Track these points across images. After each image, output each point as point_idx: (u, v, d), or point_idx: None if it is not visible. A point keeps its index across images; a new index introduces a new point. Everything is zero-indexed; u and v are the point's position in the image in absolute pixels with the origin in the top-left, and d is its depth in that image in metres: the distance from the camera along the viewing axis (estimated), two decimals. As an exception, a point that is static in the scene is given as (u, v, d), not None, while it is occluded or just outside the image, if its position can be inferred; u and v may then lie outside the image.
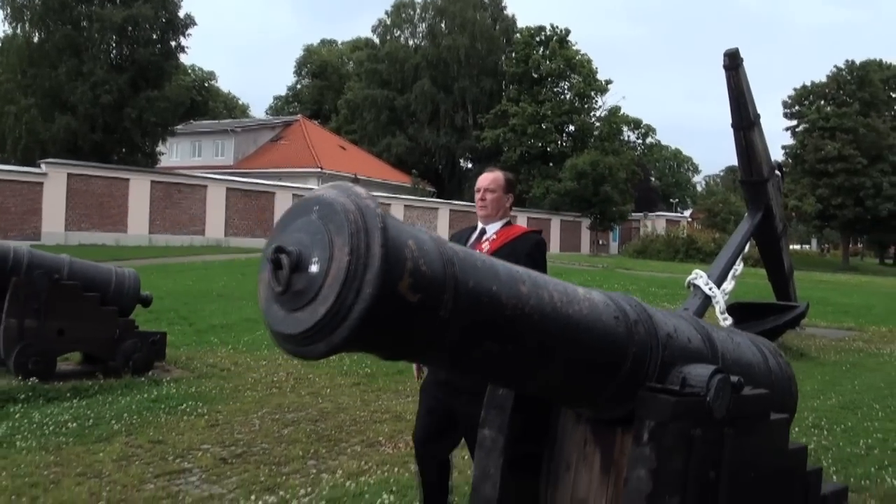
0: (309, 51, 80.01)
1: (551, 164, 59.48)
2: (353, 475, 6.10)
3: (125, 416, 7.85)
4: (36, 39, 38.83)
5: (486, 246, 4.55)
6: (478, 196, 4.69)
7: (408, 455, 6.65)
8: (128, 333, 9.62)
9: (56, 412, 8.04)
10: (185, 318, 14.42)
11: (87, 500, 5.72)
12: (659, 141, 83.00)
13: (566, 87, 62.78)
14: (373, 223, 2.16)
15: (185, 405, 8.27)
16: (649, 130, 78.19)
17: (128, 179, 37.10)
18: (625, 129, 69.47)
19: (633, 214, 60.89)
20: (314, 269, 2.14)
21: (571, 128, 62.64)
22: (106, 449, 6.87)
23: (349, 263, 2.10)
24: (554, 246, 53.14)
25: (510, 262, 3.78)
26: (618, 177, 54.77)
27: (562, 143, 62.37)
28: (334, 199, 2.23)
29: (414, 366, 4.86)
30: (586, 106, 63.36)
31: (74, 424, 7.60)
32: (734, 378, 3.15)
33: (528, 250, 4.44)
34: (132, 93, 38.21)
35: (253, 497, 5.59)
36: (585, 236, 58.33)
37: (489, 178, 4.74)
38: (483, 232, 4.67)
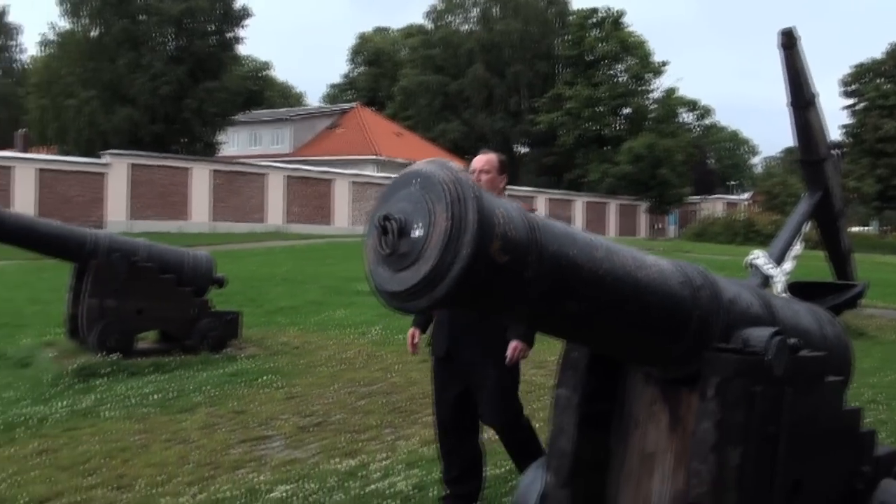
0: (363, 38, 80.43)
1: (607, 148, 59.19)
2: (427, 443, 6.38)
3: (206, 388, 8.27)
4: (94, 34, 39.71)
5: None
6: (472, 178, 4.85)
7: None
8: (203, 313, 10.07)
9: (138, 385, 8.50)
10: (252, 300, 14.87)
11: (177, 462, 6.11)
12: (717, 122, 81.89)
13: (621, 69, 62.32)
14: (468, 193, 2.49)
15: (262, 379, 8.67)
16: (706, 112, 77.34)
17: (189, 169, 37.83)
18: (681, 110, 68.82)
19: (691, 198, 60.33)
20: (417, 233, 2.47)
21: (627, 110, 62.27)
22: (190, 418, 7.28)
23: (449, 228, 2.42)
24: (611, 230, 53.05)
25: None
26: (675, 159, 54.40)
27: (617, 126, 61.95)
28: (433, 172, 2.55)
29: (408, 338, 5.19)
30: (641, 88, 62.90)
31: (157, 396, 8.03)
32: (792, 340, 3.37)
33: None
34: (191, 84, 38.91)
35: (335, 460, 5.93)
36: (643, 220, 58.04)
37: (483, 160, 4.92)
38: None
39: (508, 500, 5.06)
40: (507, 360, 4.78)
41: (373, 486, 5.20)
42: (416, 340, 5.12)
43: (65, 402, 7.98)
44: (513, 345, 4.76)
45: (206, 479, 5.74)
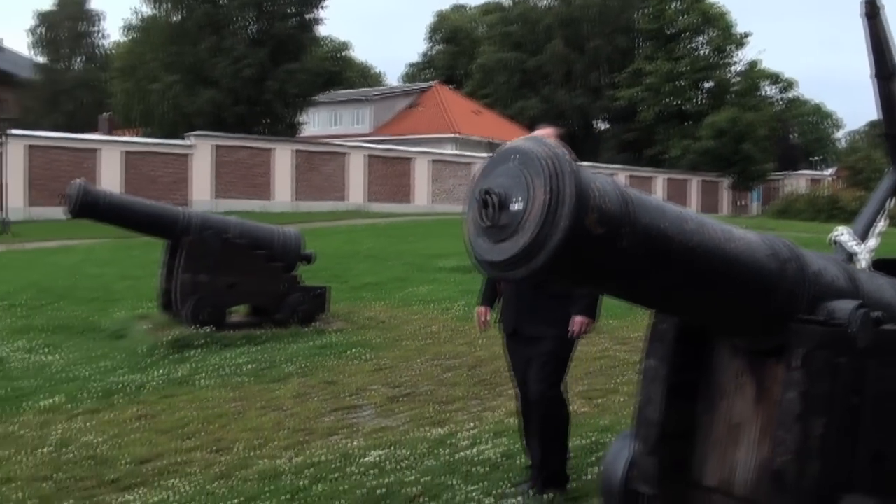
0: (440, 16, 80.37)
1: (688, 123, 58.19)
2: (513, 414, 6.49)
3: (297, 360, 8.58)
4: (177, 19, 40.48)
5: None
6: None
7: (562, 397, 7.09)
8: (293, 288, 10.39)
9: (232, 356, 8.85)
10: (338, 276, 15.17)
11: (272, 428, 6.39)
12: (800, 95, 79.70)
13: (702, 41, 60.94)
14: (565, 168, 2.62)
15: (350, 352, 8.94)
16: (790, 84, 75.37)
17: (271, 149, 38.47)
18: (764, 83, 67.17)
19: (774, 174, 59.08)
20: (516, 206, 2.62)
21: (709, 84, 61.02)
22: (282, 388, 7.58)
23: (547, 202, 2.55)
24: (693, 207, 52.14)
25: None
26: (758, 134, 53.26)
27: (699, 101, 60.81)
28: (531, 148, 2.70)
29: (476, 320, 5.36)
30: (723, 61, 61.52)
31: (250, 367, 8.36)
32: (875, 313, 3.43)
33: None
34: (272, 66, 39.45)
35: (424, 428, 6.13)
36: (725, 197, 57.07)
37: (542, 136, 4.89)
38: None
39: (595, 470, 5.18)
40: (571, 333, 4.85)
41: (462, 454, 5.37)
42: (484, 318, 5.23)
43: (161, 372, 8.36)
44: (577, 319, 4.83)
45: (301, 444, 6.01)
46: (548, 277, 2.78)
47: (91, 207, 9.95)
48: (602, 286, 3.10)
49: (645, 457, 3.92)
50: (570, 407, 6.74)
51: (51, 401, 7.32)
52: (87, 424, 6.65)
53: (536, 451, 5.01)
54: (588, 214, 2.60)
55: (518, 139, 2.83)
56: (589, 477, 5.09)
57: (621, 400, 7.01)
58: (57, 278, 15.96)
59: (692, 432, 3.98)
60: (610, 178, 2.85)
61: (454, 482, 5.02)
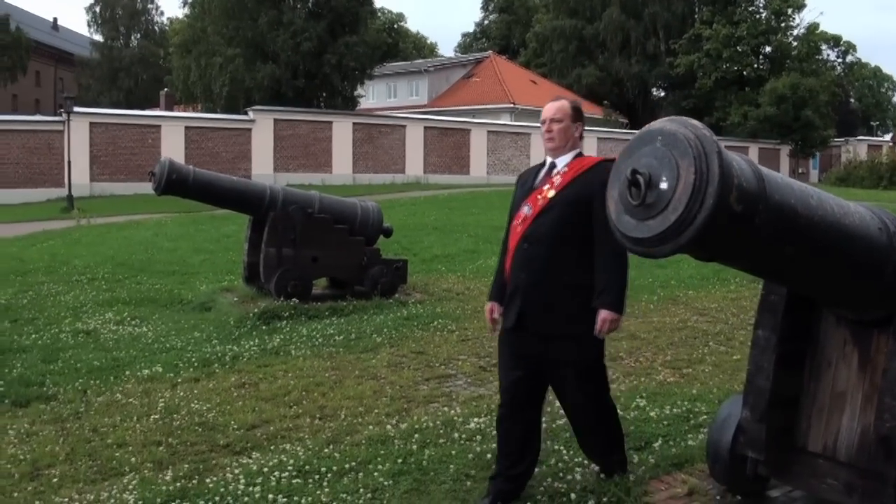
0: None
1: (747, 89, 57.34)
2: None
3: (384, 330, 8.80)
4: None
5: (557, 179, 4.33)
6: (543, 128, 4.42)
7: (650, 368, 7.24)
8: (374, 260, 10.63)
9: (320, 327, 9.10)
10: (407, 248, 15.40)
11: (372, 395, 6.62)
12: (859, 59, 77.92)
13: (761, 4, 59.86)
14: (711, 148, 2.78)
15: (435, 322, 9.15)
16: (849, 48, 73.69)
17: (331, 122, 38.79)
18: (823, 47, 65.71)
19: (834, 140, 57.99)
20: (664, 185, 2.77)
21: (768, 49, 59.90)
22: (375, 357, 7.81)
23: (695, 181, 2.71)
24: (752, 174, 51.48)
25: (585, 193, 4.20)
26: (819, 100, 52.27)
27: (758, 67, 59.76)
28: (676, 130, 2.85)
29: (487, 314, 4.64)
30: (783, 25, 60.30)
31: (340, 337, 8.59)
32: None
33: (604, 179, 3.58)
34: (330, 39, 39.62)
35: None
36: (785, 164, 56.13)
37: (554, 108, 4.42)
38: (553, 166, 4.41)
39: (692, 436, 5.33)
40: (597, 330, 4.19)
41: (560, 422, 5.51)
42: (496, 315, 4.54)
43: (253, 342, 8.63)
44: (602, 315, 4.17)
45: (403, 411, 6.22)
46: (689, 252, 2.93)
47: (178, 185, 10.24)
48: (732, 259, 3.24)
49: (753, 423, 4.07)
50: (658, 376, 6.95)
51: (150, 370, 7.60)
52: (191, 392, 6.90)
53: (596, 458, 4.63)
54: (731, 192, 2.75)
55: (661, 120, 2.96)
56: (689, 443, 5.21)
57: (707, 370, 7.14)
58: (132, 252, 16.40)
59: (798, 400, 4.12)
60: (745, 157, 3.00)
61: (557, 447, 5.19)
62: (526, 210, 4.36)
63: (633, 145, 2.96)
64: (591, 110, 54.20)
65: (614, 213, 2.97)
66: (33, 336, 9.26)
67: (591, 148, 45.52)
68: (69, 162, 30.67)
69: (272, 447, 5.56)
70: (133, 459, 5.41)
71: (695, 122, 2.89)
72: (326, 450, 5.37)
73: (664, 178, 2.78)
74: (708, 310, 9.86)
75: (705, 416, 5.66)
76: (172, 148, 33.97)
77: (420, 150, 40.58)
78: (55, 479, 5.14)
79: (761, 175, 2.96)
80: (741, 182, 2.81)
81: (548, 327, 4.27)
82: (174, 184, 10.21)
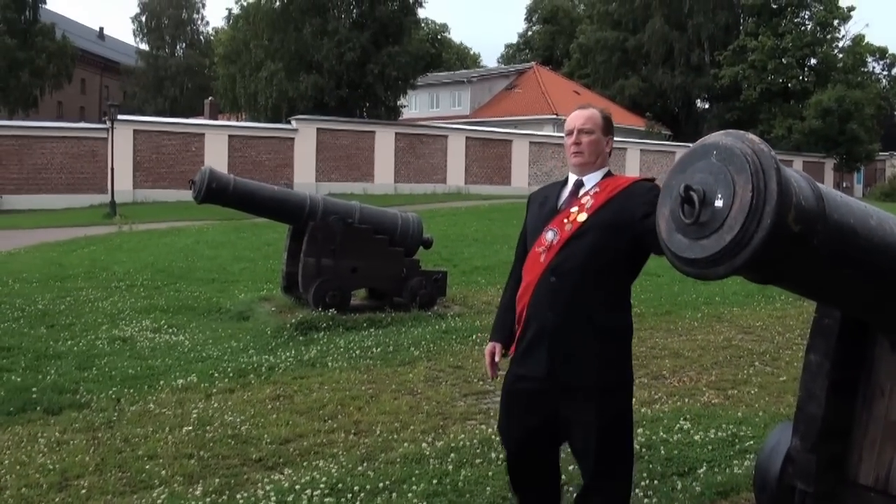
0: (539, -4, 79.92)
1: (792, 102, 56.64)
2: (645, 403, 6.51)
3: (422, 344, 8.68)
4: (278, 5, 41.07)
5: (587, 201, 3.63)
6: (570, 140, 3.76)
7: (694, 389, 7.04)
8: (413, 272, 10.52)
9: (358, 339, 9.00)
10: (447, 259, 15.28)
11: (408, 411, 6.48)
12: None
13: (807, 16, 59.07)
14: (769, 164, 2.59)
15: (473, 336, 9.01)
16: (895, 60, 72.33)
17: (373, 132, 38.86)
18: (869, 59, 64.64)
19: (879, 154, 56.95)
20: (719, 203, 2.61)
21: (813, 61, 59.07)
22: (412, 371, 7.68)
23: (752, 199, 2.54)
24: (796, 188, 50.74)
25: (622, 218, 3.58)
26: (864, 113, 51.40)
27: (803, 79, 58.99)
28: (732, 144, 2.68)
29: (487, 361, 3.95)
30: (829, 36, 59.48)
31: (378, 350, 8.48)
32: None
33: (646, 198, 3.48)
34: (374, 49, 39.80)
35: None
36: (829, 178, 55.31)
37: (584, 117, 3.77)
38: (580, 184, 3.73)
39: (737, 462, 5.13)
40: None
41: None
42: (497, 358, 3.90)
43: (290, 353, 8.54)
44: None
45: (440, 428, 6.07)
46: (743, 274, 2.77)
47: (218, 193, 10.20)
48: (786, 282, 3.07)
49: (804, 453, 3.87)
50: (703, 397, 6.75)
51: (185, 380, 7.52)
52: (225, 404, 6.80)
53: None
54: (789, 212, 2.59)
55: (716, 134, 2.79)
56: (735, 470, 5.01)
57: (754, 392, 6.93)
58: (172, 259, 16.45)
59: (850, 430, 3.92)
60: (803, 173, 2.83)
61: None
62: (550, 236, 3.62)
63: (686, 160, 2.81)
64: (633, 122, 54.03)
65: (665, 232, 2.82)
66: (69, 342, 9.25)
67: (633, 160, 45.19)
68: (112, 168, 30.98)
69: (305, 463, 5.45)
70: (163, 472, 5.31)
71: (752, 136, 2.73)
72: (360, 468, 5.25)
73: (719, 195, 2.63)
74: (753, 328, 9.64)
75: (751, 442, 5.46)
76: (215, 156, 34.22)
77: (462, 160, 40.53)
78: (83, 491, 5.05)
79: (820, 193, 2.79)
80: (800, 201, 2.64)
81: (580, 378, 3.54)
82: (214, 192, 10.18)
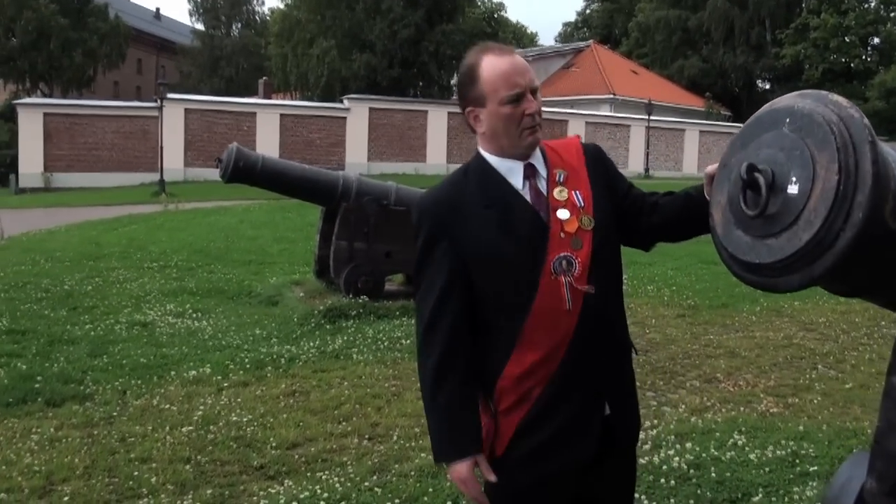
0: (598, -26, 78.53)
1: (855, 82, 54.82)
2: (696, 411, 5.83)
3: (455, 337, 8.04)
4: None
5: (565, 195, 2.39)
6: (519, 108, 2.38)
7: (751, 395, 6.32)
8: (451, 257, 9.87)
9: (388, 329, 8.42)
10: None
11: (429, 414, 5.87)
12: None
13: (870, -8, 57.18)
14: (861, 136, 1.83)
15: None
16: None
17: (426, 111, 38.31)
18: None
19: (941, 136, 54.93)
20: (793, 189, 1.84)
21: (876, 40, 57.09)
22: (440, 367, 7.05)
23: (838, 183, 1.79)
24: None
25: (615, 194, 2.50)
26: (930, 93, 49.62)
27: (866, 58, 57.07)
28: (812, 109, 1.90)
29: (468, 490, 2.39)
30: (893, 14, 57.35)
31: (407, 342, 7.89)
32: None
33: (606, 160, 2.56)
34: (428, 28, 39.29)
35: (598, 425, 5.49)
36: (894, 163, 53.43)
37: (526, 67, 2.40)
38: (533, 172, 2.44)
39: (797, 489, 4.43)
40: None
41: (643, 460, 4.68)
42: (474, 479, 2.38)
43: (314, 343, 8.02)
44: None
45: (462, 437, 5.46)
46: (822, 285, 2.02)
47: (245, 173, 9.66)
48: (878, 295, 2.31)
49: (881, 497, 3.17)
50: (760, 406, 6.04)
51: (198, 371, 7.05)
52: (235, 400, 6.30)
53: None
54: (886, 202, 1.86)
55: (790, 95, 2.01)
56: (794, 497, 4.32)
57: (817, 401, 6.16)
58: (212, 240, 16.08)
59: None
60: None
61: (637, 496, 4.36)
62: (564, 266, 2.31)
63: (750, 130, 2.04)
64: (693, 102, 52.78)
65: (721, 226, 2.07)
66: (87, 326, 8.82)
67: (692, 141, 44.16)
68: (161, 147, 30.88)
69: (309, 473, 4.89)
70: (154, 479, 4.81)
71: (838, 97, 1.92)
72: (368, 481, 4.67)
73: (794, 179, 1.85)
74: (815, 324, 8.84)
75: (813, 462, 4.75)
76: (268, 135, 34.02)
77: (515, 140, 39.82)
78: (66, 498, 4.58)
79: None
80: None
81: (628, 433, 2.51)
82: (241, 171, 9.64)
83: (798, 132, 1.88)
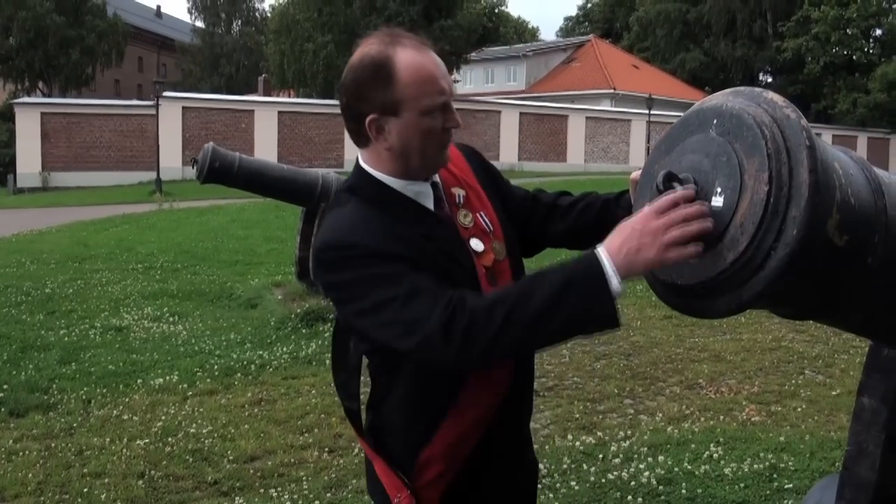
0: (599, -32, 78.28)
1: (857, 75, 54.50)
2: (674, 420, 5.58)
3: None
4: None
5: (470, 219, 1.96)
6: (439, 121, 1.87)
7: (732, 402, 6.07)
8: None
9: (366, 332, 8.17)
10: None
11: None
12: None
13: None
14: (797, 140, 1.56)
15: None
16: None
17: (425, 107, 38.12)
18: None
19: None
20: (717, 202, 1.57)
21: (878, 32, 56.78)
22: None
23: (768, 195, 1.51)
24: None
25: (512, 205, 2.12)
26: (932, 86, 49.33)
27: (868, 51, 56.75)
28: (742, 108, 1.62)
29: None
30: (895, 6, 57.06)
31: (384, 348, 7.65)
32: None
33: (487, 163, 2.15)
34: (426, 23, 39.02)
35: (570, 436, 5.23)
36: (894, 156, 53.09)
37: (443, 68, 1.90)
38: (438, 191, 1.98)
39: None
40: None
41: (613, 475, 4.45)
42: None
43: (288, 348, 7.82)
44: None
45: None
46: (756, 308, 1.73)
47: (222, 173, 9.37)
48: (828, 317, 2.02)
49: (849, 527, 2.94)
50: (742, 414, 5.79)
51: (164, 379, 6.85)
52: (198, 410, 6.11)
53: None
54: (829, 215, 1.57)
55: (721, 93, 1.75)
56: (769, 514, 4.09)
57: (801, 408, 5.89)
58: (202, 240, 15.89)
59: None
60: (852, 153, 1.78)
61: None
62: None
63: (675, 133, 1.76)
64: (693, 96, 52.33)
65: None
66: (62, 332, 8.64)
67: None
68: (158, 146, 30.72)
69: (262, 489, 4.68)
70: (104, 496, 4.63)
71: (773, 95, 1.65)
72: (321, 499, 4.46)
73: (719, 190, 1.58)
74: (805, 326, 8.56)
75: (791, 477, 4.50)
76: (266, 133, 33.85)
77: (515, 136, 39.59)
78: (13, 516, 4.38)
79: (880, 185, 1.73)
80: (846, 198, 1.60)
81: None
82: (217, 172, 9.34)
83: (726, 135, 1.60)
